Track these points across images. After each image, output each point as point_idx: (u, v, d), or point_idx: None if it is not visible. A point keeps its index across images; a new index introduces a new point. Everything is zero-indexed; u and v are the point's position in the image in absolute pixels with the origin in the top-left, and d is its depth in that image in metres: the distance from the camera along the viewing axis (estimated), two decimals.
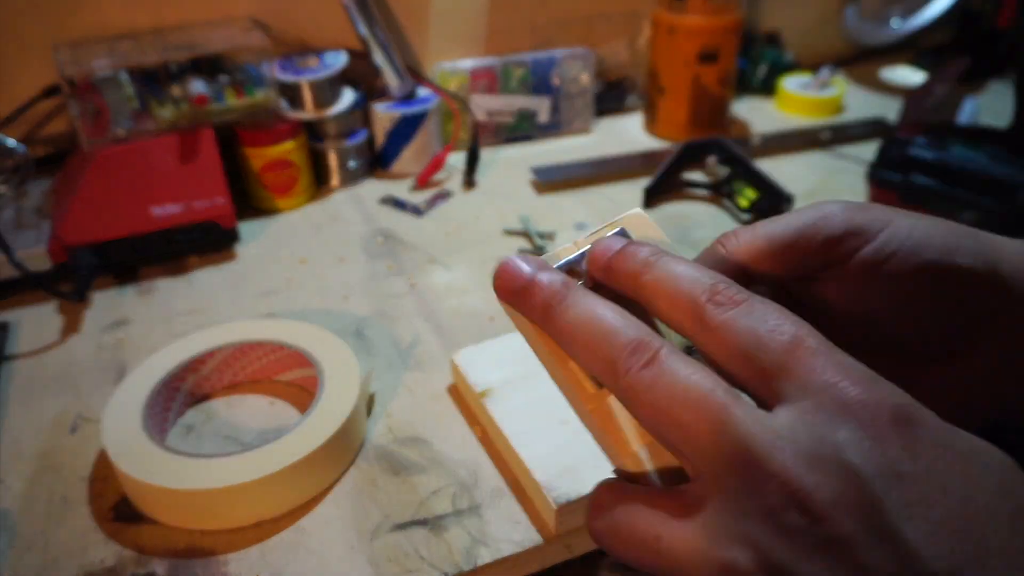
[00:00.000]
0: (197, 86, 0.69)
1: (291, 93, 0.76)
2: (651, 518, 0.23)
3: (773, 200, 0.73)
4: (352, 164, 0.81)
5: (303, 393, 0.54)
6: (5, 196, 0.70)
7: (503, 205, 0.77)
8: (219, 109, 0.71)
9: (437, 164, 0.81)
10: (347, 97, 0.79)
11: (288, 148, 0.75)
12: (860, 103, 0.98)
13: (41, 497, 0.47)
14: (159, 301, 0.64)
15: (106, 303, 0.64)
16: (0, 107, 0.73)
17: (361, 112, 0.81)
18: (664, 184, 0.78)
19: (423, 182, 0.81)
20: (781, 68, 1.00)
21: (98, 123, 0.67)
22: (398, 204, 0.75)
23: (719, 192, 0.77)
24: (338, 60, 0.78)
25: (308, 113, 0.77)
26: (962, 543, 0.19)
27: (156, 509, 0.45)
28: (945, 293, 0.27)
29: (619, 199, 0.78)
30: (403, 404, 0.53)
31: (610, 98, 0.95)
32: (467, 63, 0.86)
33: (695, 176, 0.80)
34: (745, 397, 0.22)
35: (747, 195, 0.74)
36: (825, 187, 0.80)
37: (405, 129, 0.81)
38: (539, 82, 0.88)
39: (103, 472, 0.48)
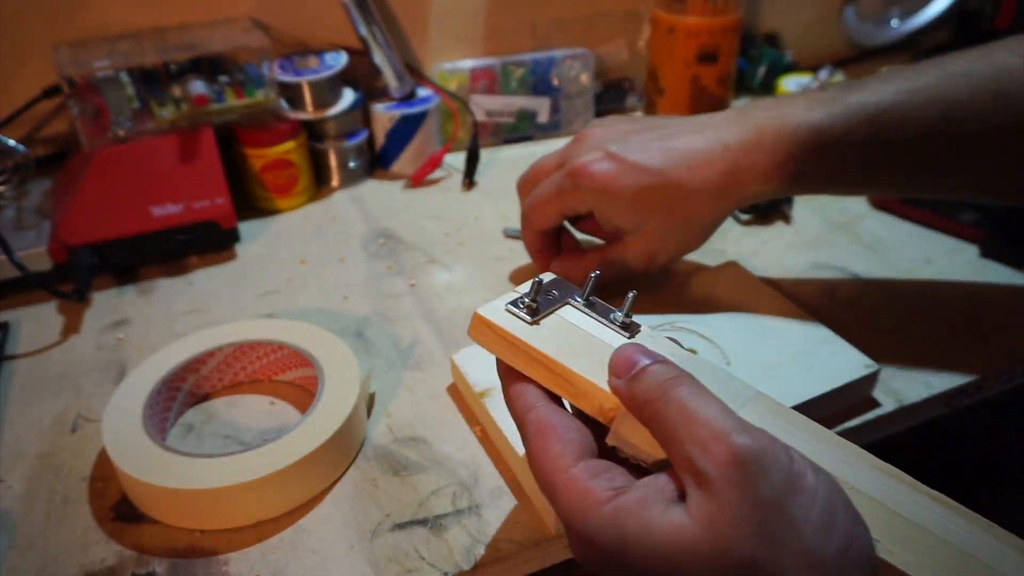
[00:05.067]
0: (197, 86, 0.69)
1: (291, 93, 0.76)
2: None
3: (772, 200, 0.73)
4: (352, 164, 0.81)
5: (303, 393, 0.54)
6: (5, 196, 0.70)
7: (503, 205, 0.77)
8: (219, 109, 0.71)
9: (433, 163, 0.81)
10: (347, 97, 0.79)
11: (288, 148, 0.75)
12: None
13: (41, 497, 0.47)
14: (159, 301, 0.64)
15: (106, 303, 0.64)
16: (0, 107, 0.73)
17: (361, 112, 0.81)
18: None
19: (418, 181, 0.81)
20: (780, 68, 1.00)
21: (98, 123, 0.68)
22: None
23: None
24: (338, 60, 0.78)
25: (308, 113, 0.77)
26: None
27: (156, 509, 0.45)
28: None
29: None
30: (403, 404, 0.53)
31: (610, 98, 0.95)
32: (467, 63, 0.86)
33: None
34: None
35: None
36: None
37: (405, 129, 0.81)
38: (539, 82, 0.88)
39: (103, 472, 0.48)
